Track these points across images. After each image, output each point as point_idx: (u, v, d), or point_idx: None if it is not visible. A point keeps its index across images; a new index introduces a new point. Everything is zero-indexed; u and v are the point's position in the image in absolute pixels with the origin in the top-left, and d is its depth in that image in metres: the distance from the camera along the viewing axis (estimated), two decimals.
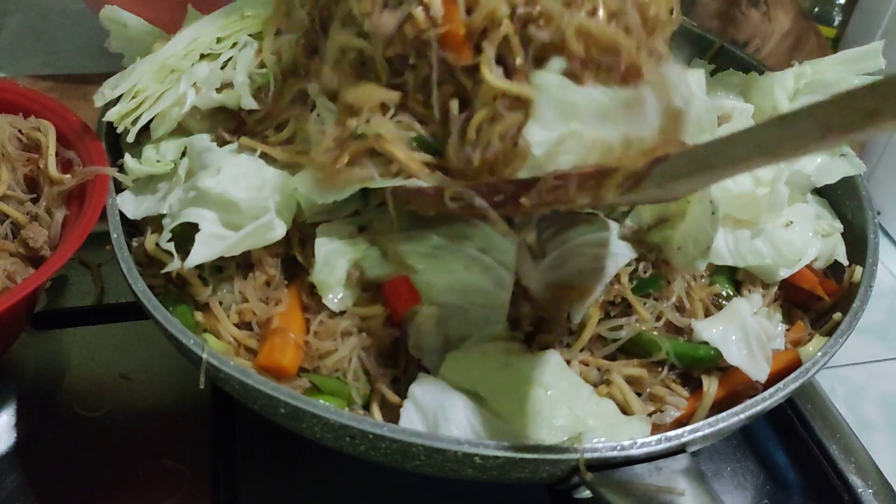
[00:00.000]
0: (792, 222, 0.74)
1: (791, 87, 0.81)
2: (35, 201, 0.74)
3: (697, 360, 0.65)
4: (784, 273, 0.73)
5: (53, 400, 0.76)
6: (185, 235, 0.64)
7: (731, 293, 0.71)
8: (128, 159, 0.71)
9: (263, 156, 0.69)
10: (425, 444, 0.53)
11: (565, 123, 0.57)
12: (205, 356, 0.56)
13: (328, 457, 0.61)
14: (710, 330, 0.66)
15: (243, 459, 0.72)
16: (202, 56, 0.73)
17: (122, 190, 0.71)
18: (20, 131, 0.74)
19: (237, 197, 0.64)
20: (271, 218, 0.64)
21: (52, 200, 0.72)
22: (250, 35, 0.74)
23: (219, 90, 0.71)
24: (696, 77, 0.74)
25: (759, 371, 0.64)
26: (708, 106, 0.72)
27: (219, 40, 0.73)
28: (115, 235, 0.65)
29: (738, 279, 0.73)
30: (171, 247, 0.64)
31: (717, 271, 0.72)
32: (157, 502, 0.68)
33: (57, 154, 0.73)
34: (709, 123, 0.72)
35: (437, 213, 0.63)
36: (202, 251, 0.62)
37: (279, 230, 0.65)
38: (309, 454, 0.72)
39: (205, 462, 0.71)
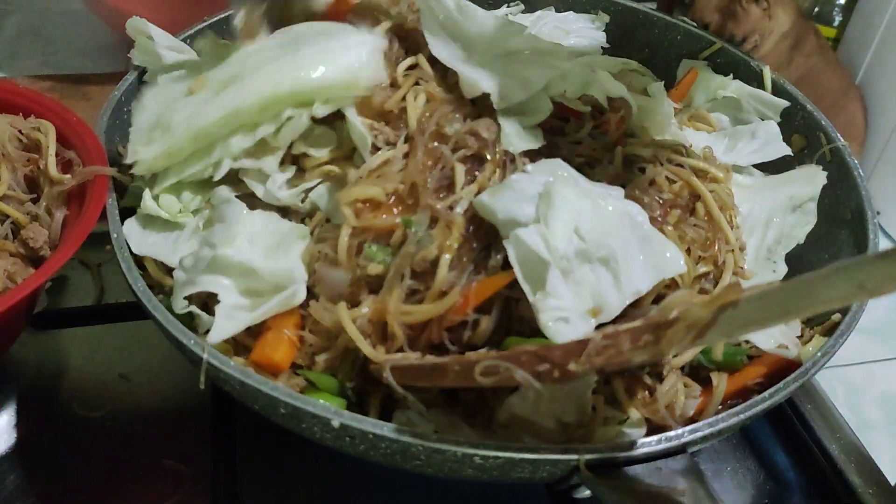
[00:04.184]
0: None
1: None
2: (35, 201, 0.74)
3: (731, 358, 0.67)
4: None
5: (53, 400, 0.76)
6: None
7: None
8: (146, 198, 0.69)
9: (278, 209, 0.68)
10: (425, 444, 0.52)
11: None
12: (205, 356, 0.56)
13: (328, 457, 0.60)
14: None
15: (243, 459, 0.72)
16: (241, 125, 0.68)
17: (121, 191, 0.71)
18: (20, 131, 0.74)
19: (258, 266, 0.62)
20: (296, 289, 0.62)
21: (52, 200, 0.72)
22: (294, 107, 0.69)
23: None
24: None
25: (791, 350, 0.67)
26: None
27: (260, 111, 0.68)
28: (114, 235, 0.65)
29: None
30: (191, 309, 0.62)
31: None
32: (157, 502, 0.68)
33: (57, 154, 0.73)
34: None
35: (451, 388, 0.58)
36: (225, 326, 0.60)
37: (301, 294, 0.63)
38: (309, 454, 0.72)
39: (205, 462, 0.71)
